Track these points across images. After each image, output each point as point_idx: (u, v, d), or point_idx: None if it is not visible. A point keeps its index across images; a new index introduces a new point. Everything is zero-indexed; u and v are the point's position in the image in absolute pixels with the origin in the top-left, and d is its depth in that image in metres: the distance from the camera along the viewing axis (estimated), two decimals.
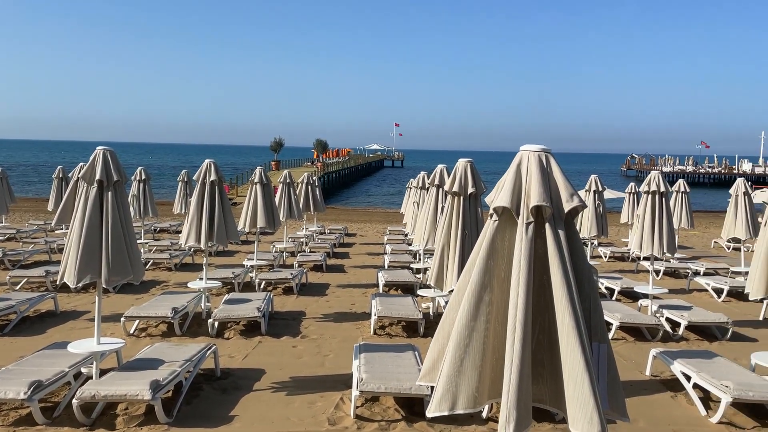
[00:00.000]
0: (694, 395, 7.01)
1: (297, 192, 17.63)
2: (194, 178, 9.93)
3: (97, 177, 6.35)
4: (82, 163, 8.65)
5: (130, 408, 6.44)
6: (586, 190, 14.56)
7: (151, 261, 15.10)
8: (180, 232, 20.66)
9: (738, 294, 12.94)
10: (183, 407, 6.59)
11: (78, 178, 6.54)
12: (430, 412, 3.25)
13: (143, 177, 16.02)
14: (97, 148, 6.53)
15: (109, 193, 6.39)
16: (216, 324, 9.40)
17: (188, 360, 6.94)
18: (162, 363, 6.78)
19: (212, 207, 9.65)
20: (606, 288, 13.05)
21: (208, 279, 10.71)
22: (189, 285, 10.65)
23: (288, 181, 16.01)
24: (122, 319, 9.17)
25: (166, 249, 16.64)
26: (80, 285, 6.25)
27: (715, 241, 22.11)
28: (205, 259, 10.29)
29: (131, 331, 9.43)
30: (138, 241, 15.95)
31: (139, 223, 17.90)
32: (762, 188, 24.73)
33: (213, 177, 9.65)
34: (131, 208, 15.43)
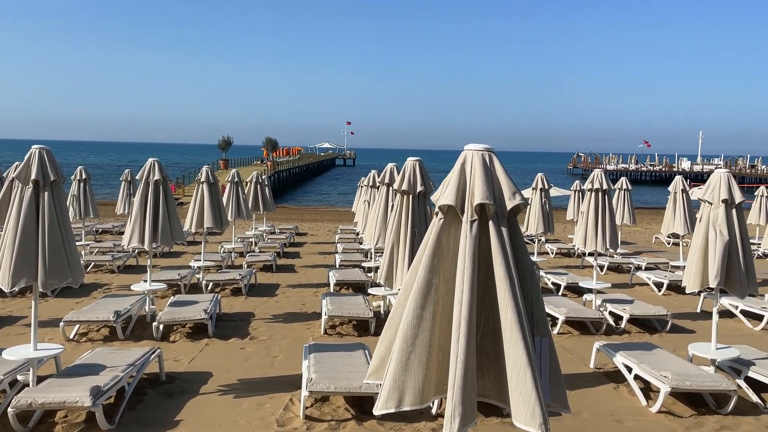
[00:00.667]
0: (635, 386, 7.24)
1: (246, 191, 17.39)
2: (137, 177, 9.68)
3: (33, 177, 6.13)
4: (17, 163, 8.31)
5: (69, 415, 6.22)
6: (532, 188, 14.85)
7: (93, 263, 14.63)
8: (123, 233, 20.12)
9: (677, 287, 13.43)
10: (126, 413, 6.40)
11: (12, 177, 6.27)
12: (377, 410, 3.26)
13: (83, 176, 15.50)
14: (33, 146, 6.31)
15: (46, 193, 6.17)
16: (161, 327, 9.17)
17: (131, 365, 6.75)
18: (103, 368, 6.57)
19: (156, 207, 9.42)
20: (552, 283, 13.35)
21: (153, 281, 10.44)
22: (132, 287, 10.37)
23: (236, 180, 15.78)
24: (61, 323, 8.85)
25: (109, 251, 16.16)
26: (16, 289, 6.00)
27: (656, 237, 22.90)
28: (149, 260, 10.03)
29: (71, 336, 9.11)
30: (78, 243, 15.43)
31: (79, 224, 17.31)
32: (699, 185, 25.75)
33: (157, 176, 9.42)
34: (71, 209, 14.92)
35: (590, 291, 11.43)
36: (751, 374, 7.22)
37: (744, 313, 11.08)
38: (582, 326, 10.22)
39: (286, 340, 9.29)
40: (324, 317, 9.66)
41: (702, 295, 11.82)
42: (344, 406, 6.66)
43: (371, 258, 13.94)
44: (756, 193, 18.67)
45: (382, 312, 10.59)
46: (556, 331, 9.87)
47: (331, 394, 6.35)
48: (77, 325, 9.20)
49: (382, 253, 11.32)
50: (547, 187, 14.61)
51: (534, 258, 14.48)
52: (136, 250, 15.87)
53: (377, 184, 12.92)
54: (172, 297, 10.49)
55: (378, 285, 11.95)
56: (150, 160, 9.59)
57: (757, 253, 18.80)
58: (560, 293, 12.60)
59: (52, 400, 5.73)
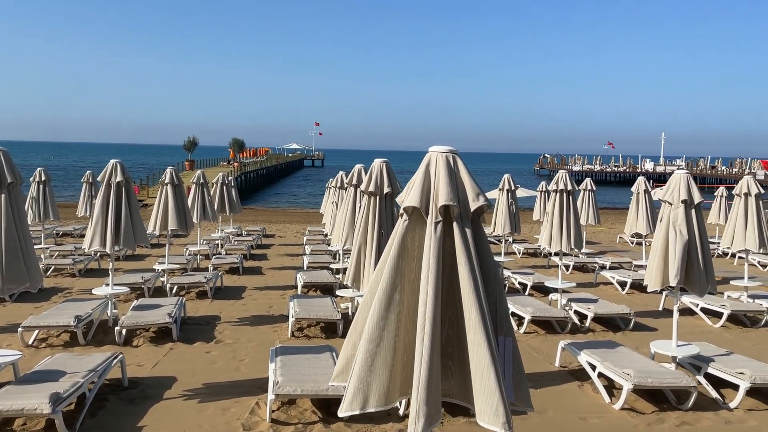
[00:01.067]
0: (598, 383, 7.35)
1: (211, 192, 17.18)
2: (99, 179, 9.48)
3: None
4: None
5: (28, 423, 6.06)
6: (499, 189, 14.98)
7: (53, 267, 14.28)
8: (84, 236, 19.68)
9: (640, 286, 13.69)
10: (87, 420, 6.25)
11: None
12: (342, 412, 3.24)
13: (43, 178, 15.11)
14: None
15: (2, 195, 6.03)
16: (123, 331, 8.99)
17: (92, 370, 6.59)
18: (63, 374, 6.41)
19: (119, 209, 9.22)
20: (519, 283, 13.49)
21: (116, 284, 10.24)
22: (94, 291, 10.15)
23: (201, 181, 15.58)
24: (20, 329, 8.61)
25: (69, 254, 15.78)
26: None
27: (620, 237, 23.32)
28: (111, 263, 9.83)
29: (30, 342, 8.87)
30: (38, 246, 15.06)
31: (38, 227, 16.89)
32: (662, 186, 26.28)
33: (119, 178, 9.23)
34: (29, 212, 14.54)
35: (556, 290, 11.58)
36: (710, 370, 7.39)
37: (704, 310, 11.35)
38: (548, 325, 10.35)
39: (252, 343, 9.20)
40: (291, 320, 9.59)
41: (664, 293, 12.07)
42: (311, 408, 6.62)
43: (339, 259, 13.89)
44: (716, 194, 19.17)
45: (350, 314, 10.56)
46: (522, 330, 9.97)
47: (297, 396, 6.30)
48: (36, 331, 8.96)
49: (350, 254, 11.29)
50: (513, 187, 14.76)
51: (501, 258, 14.62)
52: (98, 254, 15.55)
53: (345, 186, 12.89)
54: (136, 301, 10.29)
55: (346, 287, 11.91)
56: (112, 161, 9.41)
57: (716, 253, 19.29)
58: (527, 293, 12.74)
59: (10, 407, 5.56)
